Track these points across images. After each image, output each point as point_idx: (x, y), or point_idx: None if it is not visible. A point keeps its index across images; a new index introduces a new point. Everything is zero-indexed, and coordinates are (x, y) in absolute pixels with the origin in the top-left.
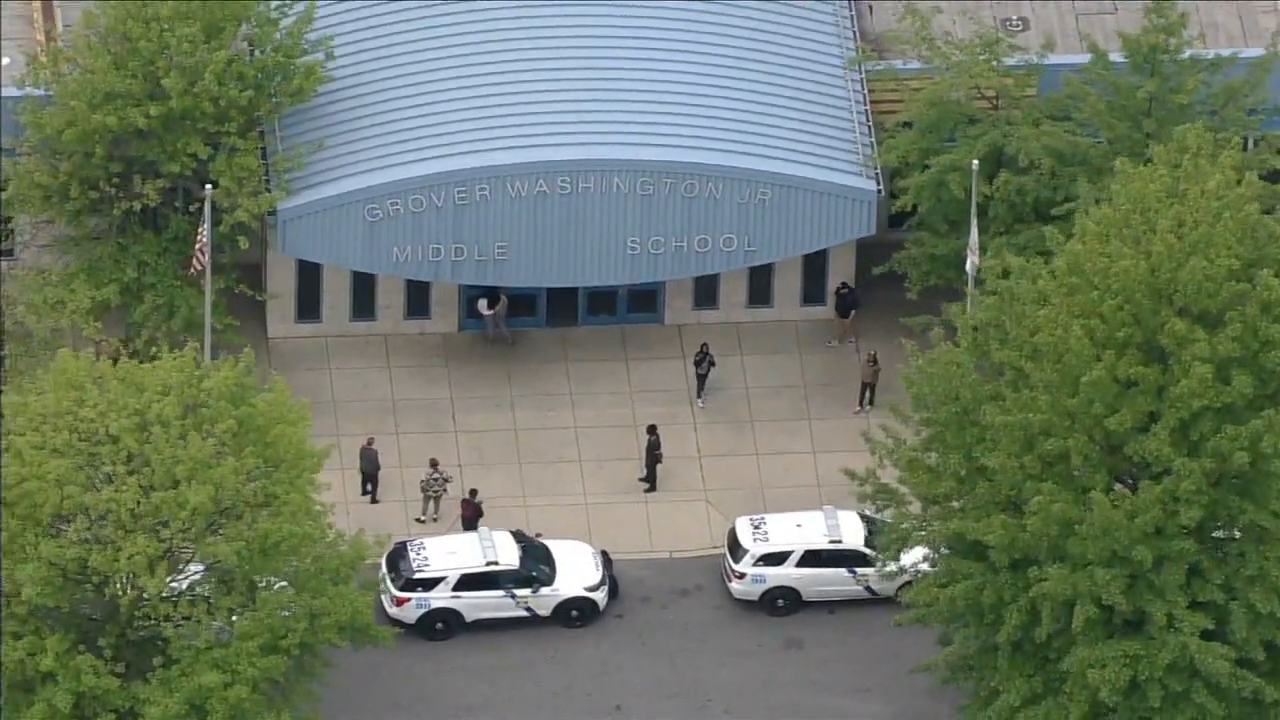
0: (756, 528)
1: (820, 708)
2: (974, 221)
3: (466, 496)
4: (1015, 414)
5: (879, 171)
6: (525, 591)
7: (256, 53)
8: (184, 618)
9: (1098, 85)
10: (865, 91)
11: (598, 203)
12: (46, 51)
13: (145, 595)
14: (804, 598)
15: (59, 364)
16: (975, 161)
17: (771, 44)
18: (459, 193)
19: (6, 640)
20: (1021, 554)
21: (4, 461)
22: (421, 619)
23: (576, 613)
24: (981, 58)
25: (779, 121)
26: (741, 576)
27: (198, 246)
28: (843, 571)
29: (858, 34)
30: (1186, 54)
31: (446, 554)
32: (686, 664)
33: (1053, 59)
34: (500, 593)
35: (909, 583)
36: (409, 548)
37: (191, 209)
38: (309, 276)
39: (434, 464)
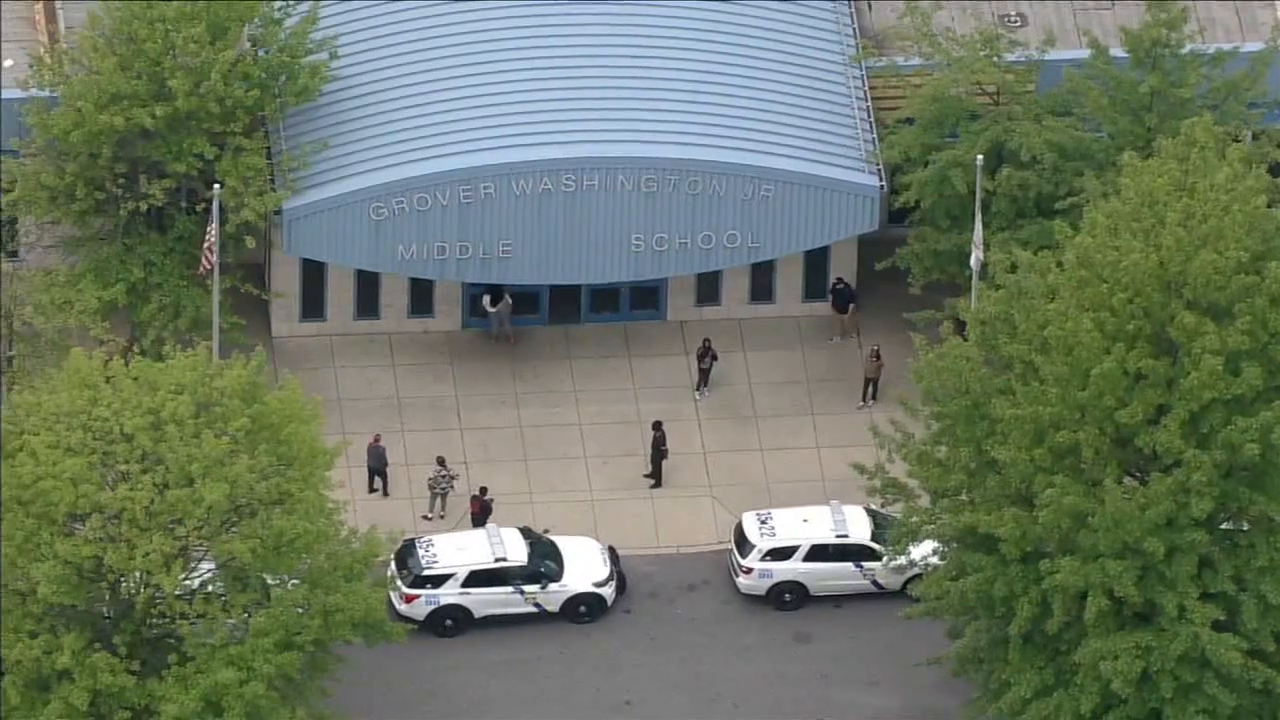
0: (763, 523)
1: (829, 701)
2: (979, 216)
3: (476, 494)
4: (1025, 407)
5: (881, 167)
6: (534, 588)
7: (261, 52)
8: (199, 615)
9: (1099, 80)
10: (866, 88)
11: (602, 200)
12: (51, 53)
13: (160, 593)
14: (811, 592)
15: (72, 363)
16: (980, 156)
17: (773, 41)
18: (464, 191)
19: (23, 639)
20: (1032, 547)
21: (18, 460)
22: (431, 615)
23: (585, 608)
24: (982, 54)
25: (781, 118)
26: (749, 571)
27: (206, 246)
28: (849, 566)
29: (857, 31)
30: (1187, 49)
31: (455, 551)
32: (695, 659)
33: (1053, 55)
34: (509, 589)
35: (916, 577)
36: (417, 545)
37: (198, 208)
38: (313, 275)
39: (441, 461)
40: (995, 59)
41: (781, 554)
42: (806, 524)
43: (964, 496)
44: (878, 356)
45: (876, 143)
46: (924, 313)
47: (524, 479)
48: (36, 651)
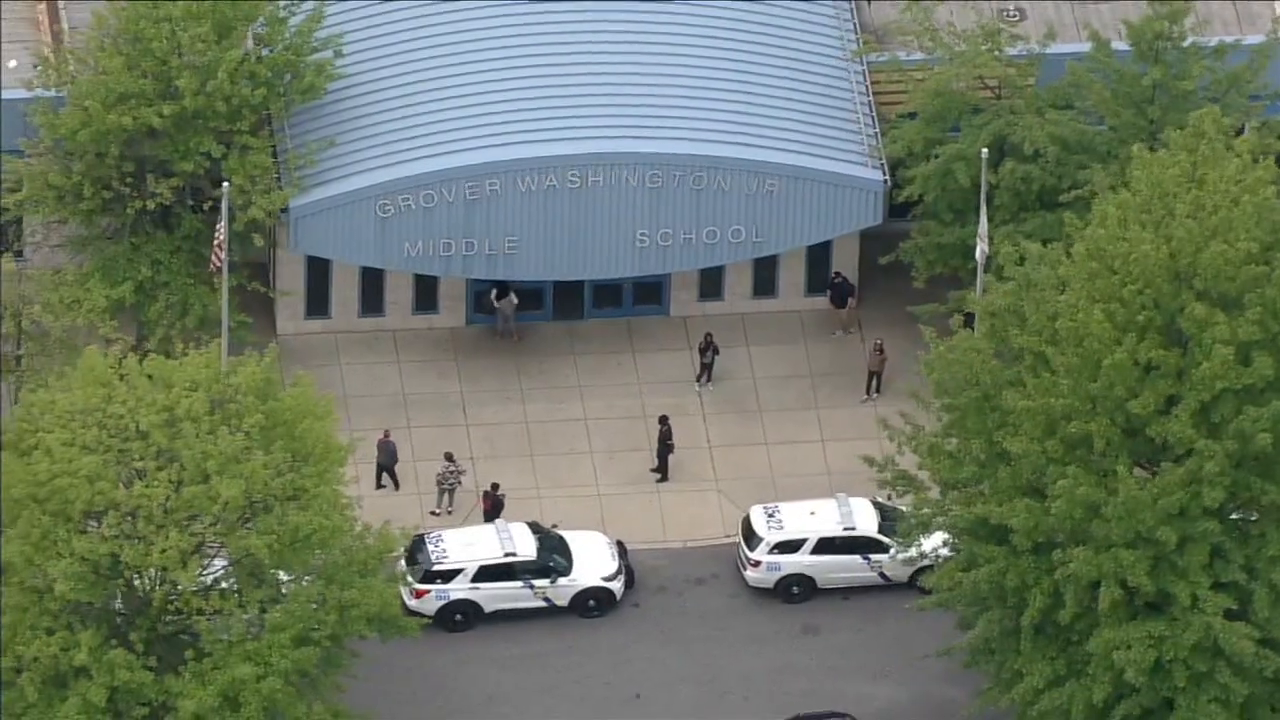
0: (771, 516)
1: (838, 693)
2: (984, 210)
3: (488, 489)
4: (1037, 399)
5: (883, 162)
6: (543, 582)
7: (266, 51)
8: (215, 611)
9: (1101, 73)
10: (868, 83)
11: (607, 196)
12: (56, 53)
13: (177, 588)
14: (819, 585)
15: (86, 361)
16: (984, 150)
17: (774, 38)
18: (469, 188)
19: (40, 636)
20: (1044, 537)
21: (34, 458)
22: (441, 610)
23: (594, 602)
24: (984, 48)
25: (785, 113)
26: (757, 564)
27: (216, 244)
28: (857, 558)
29: (858, 26)
30: (1188, 41)
31: (464, 546)
32: (704, 652)
33: (1054, 48)
34: (518, 584)
35: (924, 569)
36: (427, 540)
37: (205, 207)
38: (318, 273)
39: (449, 457)
40: (997, 53)
41: (789, 547)
42: (814, 517)
43: (975, 488)
44: (881, 350)
45: (879, 137)
46: (928, 306)
47: (530, 474)
48: (54, 648)
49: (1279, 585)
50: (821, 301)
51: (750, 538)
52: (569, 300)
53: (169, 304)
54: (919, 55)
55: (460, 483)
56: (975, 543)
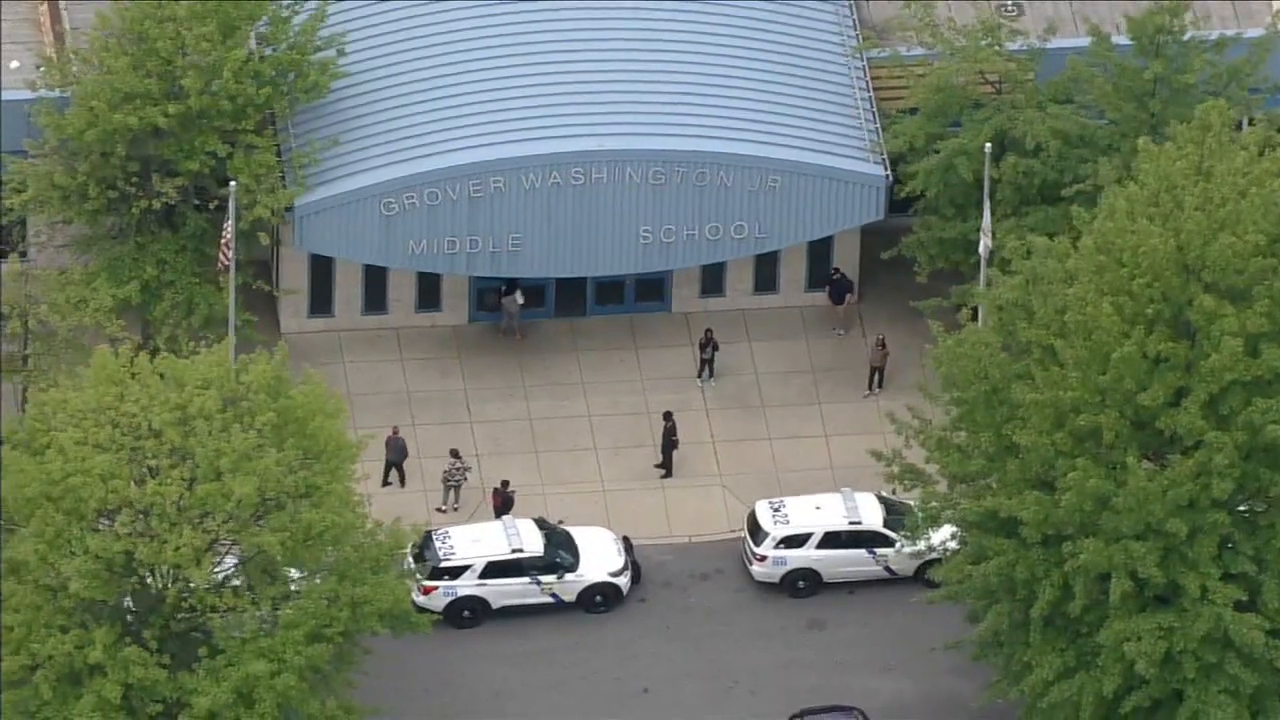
0: (776, 511)
1: (845, 687)
2: (987, 204)
3: (498, 486)
4: (1046, 392)
5: (885, 157)
6: (550, 578)
7: (269, 50)
8: (228, 608)
9: (1102, 67)
10: (869, 79)
11: (611, 193)
12: (59, 54)
13: (191, 585)
14: (824, 579)
15: (98, 360)
16: (988, 145)
17: (776, 35)
18: (474, 185)
19: (55, 634)
20: (1053, 530)
21: (47, 457)
22: (449, 607)
23: (600, 598)
24: (984, 43)
25: (786, 110)
26: (763, 559)
27: (223, 242)
28: (862, 552)
29: (857, 23)
30: (1188, 35)
31: (471, 542)
32: (710, 647)
33: (1054, 43)
34: (526, 579)
35: (930, 562)
36: (434, 537)
37: (211, 206)
38: (321, 271)
39: (455, 454)
40: (997, 48)
41: (795, 541)
42: (819, 511)
43: (985, 481)
44: (883, 345)
45: (880, 133)
46: (931, 300)
47: (535, 471)
48: (68, 646)
49: None
50: (822, 297)
51: (756, 532)
52: (571, 297)
53: (174, 303)
54: (919, 51)
55: (466, 479)
56: (984, 536)
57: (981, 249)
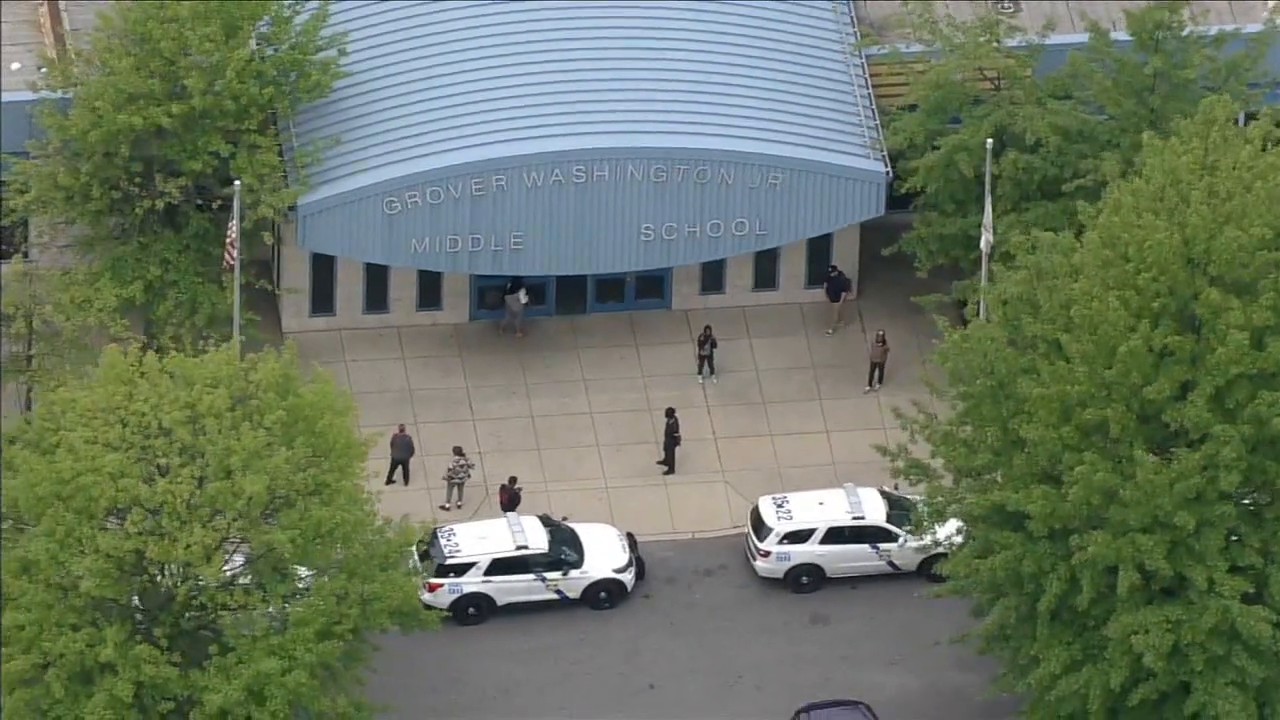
0: (779, 506)
1: (849, 682)
2: (989, 200)
3: (505, 483)
4: (1052, 386)
5: (885, 153)
6: (555, 575)
7: (271, 50)
8: (239, 606)
9: (1102, 63)
10: (868, 76)
11: (612, 191)
12: (60, 55)
13: (201, 583)
14: (828, 574)
15: (107, 359)
16: (989, 140)
17: (775, 32)
18: (476, 184)
19: (66, 633)
20: (1060, 524)
21: (57, 456)
22: (454, 604)
23: (605, 595)
24: (982, 40)
25: (787, 107)
26: (766, 555)
27: (229, 241)
28: (866, 548)
29: (856, 20)
30: (1188, 30)
31: (477, 539)
32: (715, 642)
33: (1053, 39)
34: (530, 576)
35: (933, 557)
36: (439, 534)
37: (214, 205)
38: (322, 270)
39: (459, 451)
40: (996, 45)
41: (798, 537)
42: (822, 507)
43: (991, 475)
44: (883, 341)
45: (880, 130)
46: (931, 296)
47: (538, 468)
48: (79, 645)
49: None
50: (822, 293)
51: (759, 528)
52: (572, 295)
53: (178, 303)
54: (918, 48)
55: (470, 476)
56: (991, 530)
57: (983, 244)
